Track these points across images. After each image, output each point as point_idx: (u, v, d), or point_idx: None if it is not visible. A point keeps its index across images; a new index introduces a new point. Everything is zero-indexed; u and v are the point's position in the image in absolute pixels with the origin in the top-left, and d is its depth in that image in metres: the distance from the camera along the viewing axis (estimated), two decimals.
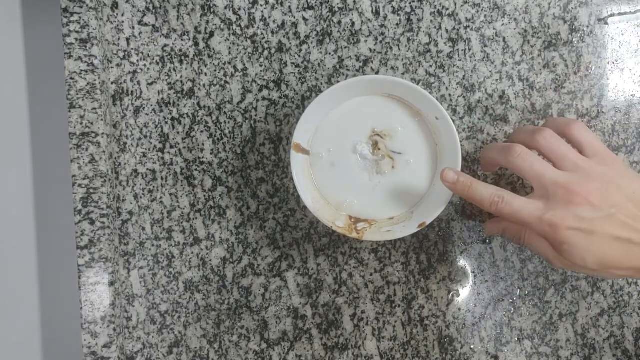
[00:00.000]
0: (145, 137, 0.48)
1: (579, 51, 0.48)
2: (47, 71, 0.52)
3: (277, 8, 0.48)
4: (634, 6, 0.49)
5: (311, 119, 0.44)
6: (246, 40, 0.48)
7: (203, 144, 0.48)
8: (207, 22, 0.48)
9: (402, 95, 0.44)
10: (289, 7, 0.48)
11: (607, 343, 0.49)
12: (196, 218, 0.48)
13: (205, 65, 0.48)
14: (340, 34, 0.48)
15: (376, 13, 0.48)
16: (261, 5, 0.48)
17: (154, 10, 0.48)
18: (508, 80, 0.48)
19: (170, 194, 0.48)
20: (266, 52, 0.48)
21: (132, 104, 0.48)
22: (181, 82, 0.48)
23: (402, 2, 0.48)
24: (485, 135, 0.49)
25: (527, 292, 0.49)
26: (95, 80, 0.46)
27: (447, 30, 0.48)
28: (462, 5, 0.48)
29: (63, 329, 0.53)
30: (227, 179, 0.48)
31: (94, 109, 0.46)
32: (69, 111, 0.45)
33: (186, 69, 0.48)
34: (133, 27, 0.48)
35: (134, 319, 0.48)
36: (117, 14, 0.48)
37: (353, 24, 0.48)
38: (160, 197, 0.48)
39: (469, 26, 0.48)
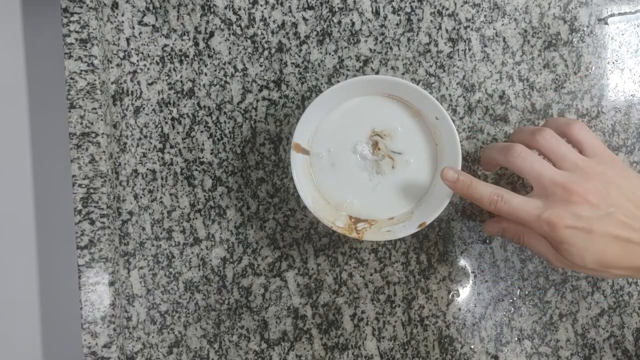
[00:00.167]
0: (145, 137, 0.48)
1: (579, 51, 0.48)
2: (47, 71, 0.52)
3: (277, 8, 0.48)
4: (634, 6, 0.49)
5: (311, 119, 0.44)
6: (246, 40, 0.48)
7: (203, 144, 0.48)
8: (207, 22, 0.48)
9: (402, 95, 0.44)
10: (289, 7, 0.48)
11: (607, 343, 0.49)
12: (196, 218, 0.48)
13: (205, 65, 0.48)
14: (340, 34, 0.48)
15: (376, 13, 0.48)
16: (261, 5, 0.48)
17: (154, 10, 0.48)
18: (508, 80, 0.48)
19: (170, 194, 0.48)
20: (266, 52, 0.48)
21: (132, 104, 0.48)
22: (181, 82, 0.48)
23: (402, 2, 0.48)
24: (485, 135, 0.49)
25: (527, 292, 0.49)
26: (95, 80, 0.46)
27: (447, 30, 0.48)
28: (462, 5, 0.48)
29: (63, 329, 0.53)
30: (227, 179, 0.48)
31: (94, 109, 0.46)
32: (69, 111, 0.45)
33: (186, 69, 0.48)
34: (133, 27, 0.48)
35: (134, 319, 0.48)
36: (117, 14, 0.48)
37: (353, 24, 0.48)
38: (160, 197, 0.48)
39: (469, 26, 0.48)
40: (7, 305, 0.52)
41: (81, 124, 0.46)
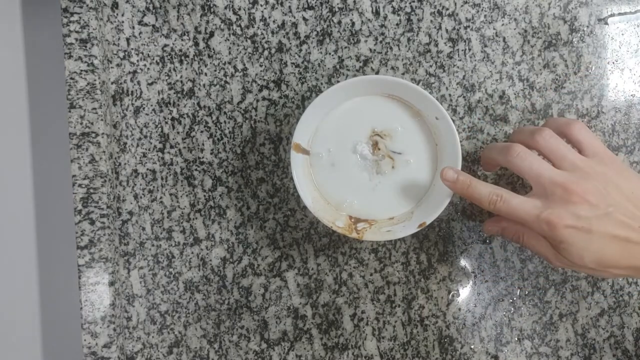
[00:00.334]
0: (145, 137, 0.48)
1: (579, 51, 0.48)
2: (47, 71, 0.52)
3: (277, 8, 0.48)
4: (634, 6, 0.49)
5: (311, 119, 0.44)
6: (246, 40, 0.48)
7: (203, 144, 0.48)
8: (207, 22, 0.48)
9: (402, 95, 0.44)
10: (289, 7, 0.48)
11: (607, 343, 0.49)
12: (196, 218, 0.48)
13: (205, 65, 0.48)
14: (340, 34, 0.48)
15: (376, 13, 0.48)
16: (261, 5, 0.48)
17: (154, 10, 0.48)
18: (508, 80, 0.48)
19: (170, 194, 0.48)
20: (266, 52, 0.48)
21: (132, 104, 0.48)
22: (181, 82, 0.48)
23: (402, 2, 0.48)
24: (485, 135, 0.49)
25: (527, 292, 0.49)
26: (95, 80, 0.46)
27: (447, 30, 0.48)
28: (462, 5, 0.48)
29: (63, 329, 0.53)
30: (227, 179, 0.48)
31: (94, 109, 0.46)
32: (69, 111, 0.45)
33: (186, 69, 0.48)
34: (133, 27, 0.48)
35: (134, 319, 0.48)
36: (117, 14, 0.48)
37: (353, 24, 0.48)
38: (160, 197, 0.48)
39: (469, 26, 0.48)
40: (7, 305, 0.52)
41: (81, 124, 0.46)
